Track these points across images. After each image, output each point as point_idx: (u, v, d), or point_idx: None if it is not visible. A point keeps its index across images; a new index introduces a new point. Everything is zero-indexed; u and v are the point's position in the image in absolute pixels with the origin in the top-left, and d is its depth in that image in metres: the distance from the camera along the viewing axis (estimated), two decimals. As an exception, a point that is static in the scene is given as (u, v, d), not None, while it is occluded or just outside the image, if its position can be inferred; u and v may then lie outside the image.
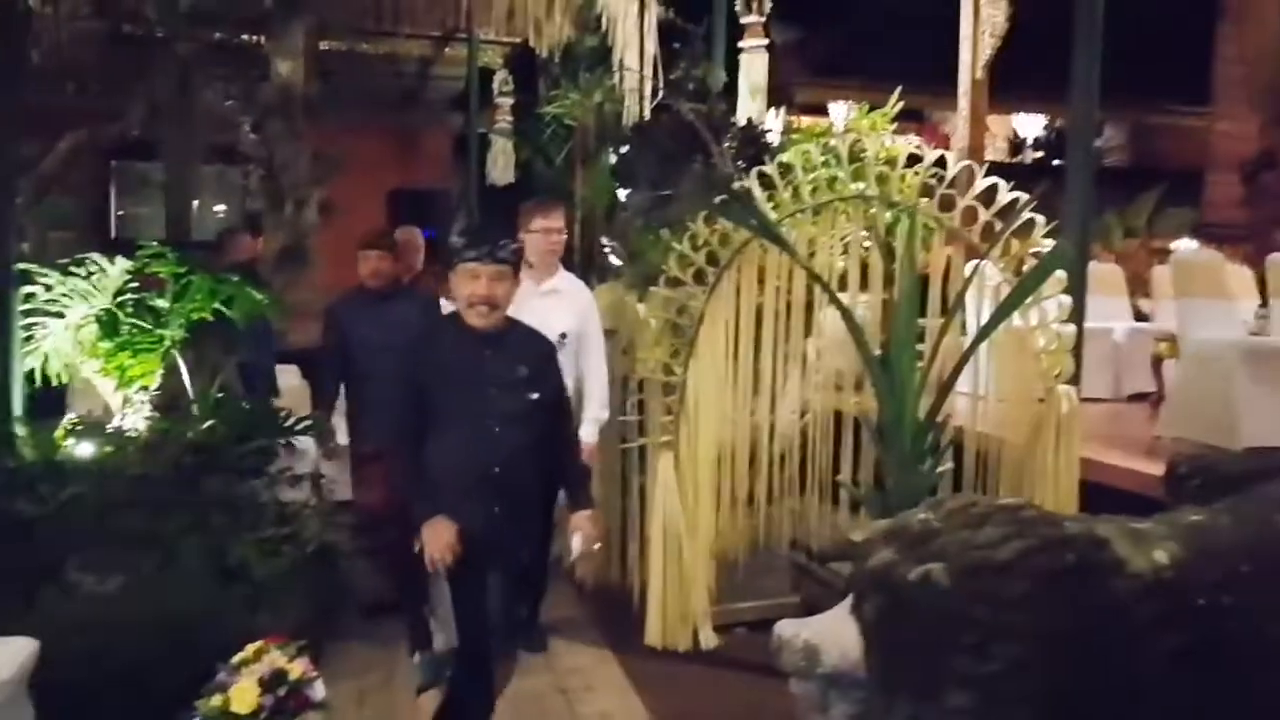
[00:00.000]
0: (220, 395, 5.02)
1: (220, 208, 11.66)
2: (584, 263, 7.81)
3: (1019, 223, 3.94)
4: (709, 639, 4.60)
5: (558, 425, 3.49)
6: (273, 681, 3.04)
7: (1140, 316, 8.47)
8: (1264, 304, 5.79)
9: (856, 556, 3.00)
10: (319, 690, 3.15)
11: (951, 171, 4.17)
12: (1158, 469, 3.80)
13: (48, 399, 4.94)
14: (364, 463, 4.95)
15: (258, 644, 3.14)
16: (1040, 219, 3.96)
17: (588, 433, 4.63)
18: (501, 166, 9.69)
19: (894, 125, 5.50)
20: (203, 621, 3.79)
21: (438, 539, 3.14)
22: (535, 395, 3.35)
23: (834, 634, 2.88)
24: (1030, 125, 16.01)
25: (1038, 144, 16.14)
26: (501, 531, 3.28)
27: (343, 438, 5.23)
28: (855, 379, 4.72)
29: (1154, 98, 13.12)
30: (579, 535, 3.47)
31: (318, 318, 5.30)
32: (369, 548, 5.05)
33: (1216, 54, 10.02)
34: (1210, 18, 10.04)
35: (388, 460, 4.16)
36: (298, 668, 3.10)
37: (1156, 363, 6.41)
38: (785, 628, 3.01)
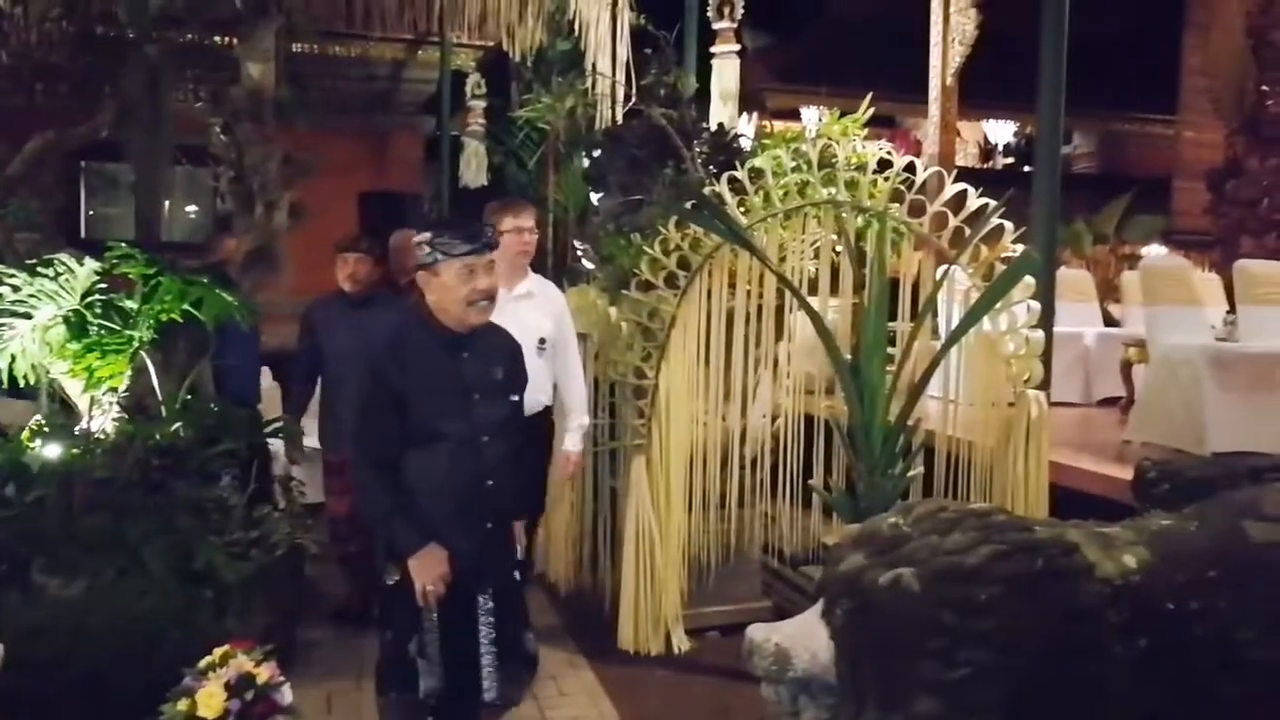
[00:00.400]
0: (189, 397, 4.98)
1: (192, 208, 11.57)
2: (557, 266, 7.81)
3: (988, 229, 3.96)
4: (681, 643, 4.60)
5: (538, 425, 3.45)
6: (239, 686, 3.01)
7: (1110, 322, 8.55)
8: (1231, 310, 5.85)
9: (827, 561, 3.01)
10: (286, 695, 3.12)
11: (921, 178, 4.19)
12: (1127, 474, 3.84)
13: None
14: (336, 470, 4.90)
15: (224, 648, 3.12)
16: (1009, 225, 3.99)
17: (572, 442, 4.55)
18: (474, 169, 9.67)
19: (865, 131, 5.51)
20: (169, 625, 3.76)
21: (430, 570, 2.96)
22: (514, 398, 3.22)
23: (804, 638, 2.88)
24: (1001, 131, 16.15)
25: (1008, 150, 16.28)
26: (494, 548, 3.13)
27: (311, 440, 5.19)
28: (826, 383, 4.74)
29: (1123, 106, 13.26)
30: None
31: (288, 320, 5.25)
32: (342, 554, 5.04)
33: (1183, 64, 10.15)
34: (1176, 29, 10.16)
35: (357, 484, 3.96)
36: (265, 672, 3.07)
37: (1126, 368, 6.47)
38: (756, 632, 3.01)
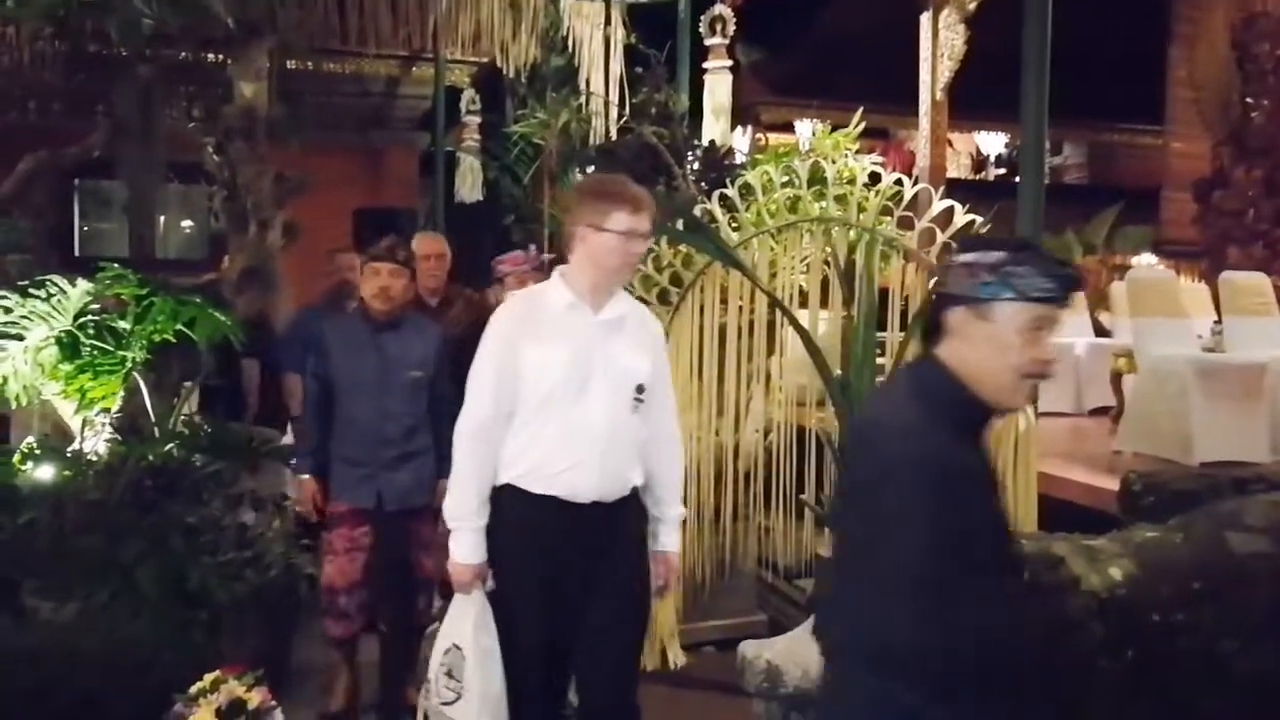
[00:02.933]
0: (184, 417, 4.99)
1: (187, 224, 11.60)
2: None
3: (976, 244, 3.99)
4: (677, 658, 4.61)
5: None
6: (230, 711, 3.02)
7: (1101, 331, 8.58)
8: (1219, 320, 5.89)
9: (819, 577, 3.03)
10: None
11: (910, 193, 4.22)
12: (1116, 484, 3.87)
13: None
14: (339, 523, 4.08)
15: (215, 673, 3.12)
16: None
17: (671, 542, 3.08)
18: (469, 185, 9.72)
19: (857, 144, 5.55)
20: (162, 648, 3.76)
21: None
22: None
23: (796, 654, 2.90)
24: (993, 143, 16.22)
25: (1000, 161, 16.35)
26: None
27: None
28: (818, 395, 4.76)
29: (1112, 117, 13.32)
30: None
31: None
32: (343, 635, 4.84)
33: (1169, 77, 10.22)
34: (1163, 41, 10.24)
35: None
36: (256, 697, 3.08)
37: (1116, 378, 6.49)
38: (749, 648, 3.04)
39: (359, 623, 4.07)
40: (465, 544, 2.83)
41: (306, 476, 4.17)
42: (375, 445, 3.99)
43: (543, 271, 3.72)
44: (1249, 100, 8.92)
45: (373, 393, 3.99)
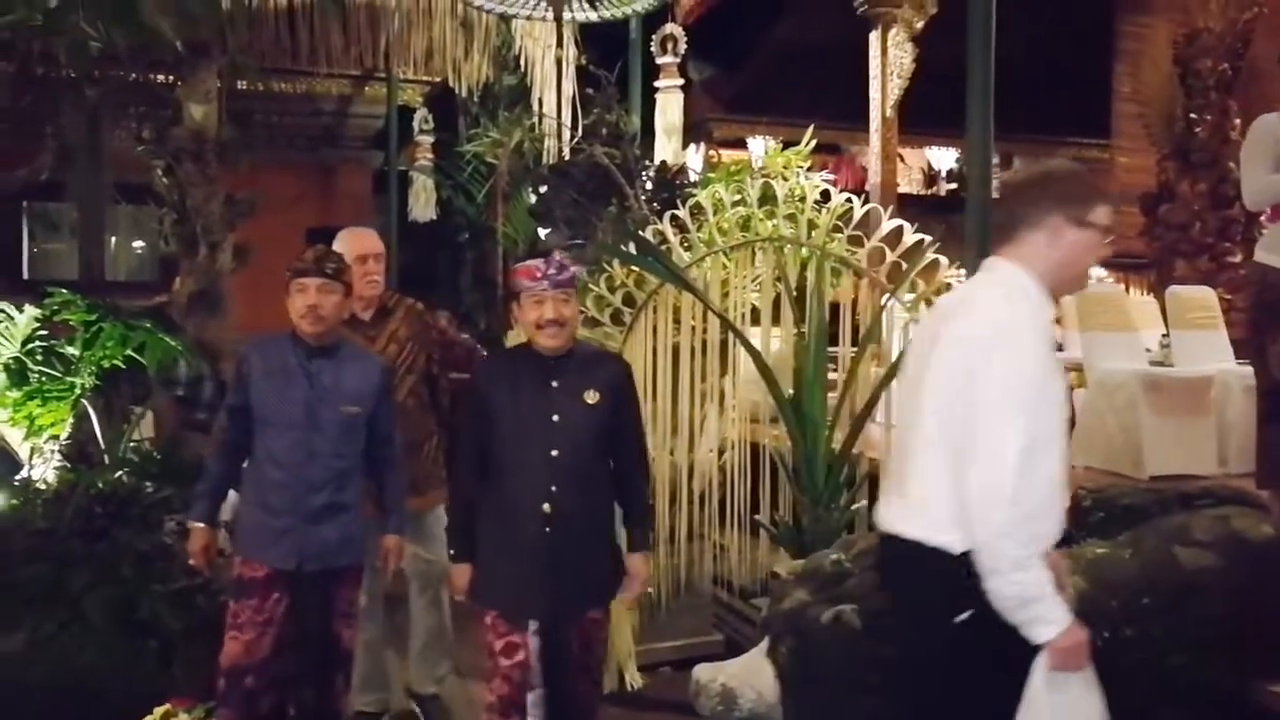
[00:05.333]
0: (133, 443, 4.94)
1: (138, 245, 11.47)
2: (506, 300, 7.83)
3: (924, 263, 4.05)
4: (634, 679, 4.60)
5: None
6: (182, 743, 2.98)
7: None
8: (1166, 334, 5.99)
9: (771, 598, 3.06)
10: (229, 752, 3.09)
11: (860, 212, 4.27)
12: (1067, 500, 3.91)
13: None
14: (251, 589, 3.49)
15: (165, 706, 3.09)
16: (944, 260, 4.07)
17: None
18: (423, 203, 9.70)
19: (809, 161, 5.60)
20: (111, 678, 3.71)
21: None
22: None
23: (750, 677, 2.92)
24: (944, 158, 16.41)
25: (951, 176, 16.54)
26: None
27: None
28: (772, 412, 4.79)
29: (1059, 131, 13.53)
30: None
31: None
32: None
33: (1114, 92, 10.42)
34: (1108, 58, 10.43)
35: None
36: (208, 728, 3.04)
37: (1067, 392, 6.57)
38: (703, 672, 3.05)
39: (266, 705, 3.42)
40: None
41: (200, 525, 3.55)
42: (298, 492, 3.44)
43: (573, 287, 3.18)
44: (1192, 115, 9.10)
45: (299, 429, 3.45)
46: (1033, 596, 2.23)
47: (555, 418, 3.12)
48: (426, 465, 4.20)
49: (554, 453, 3.10)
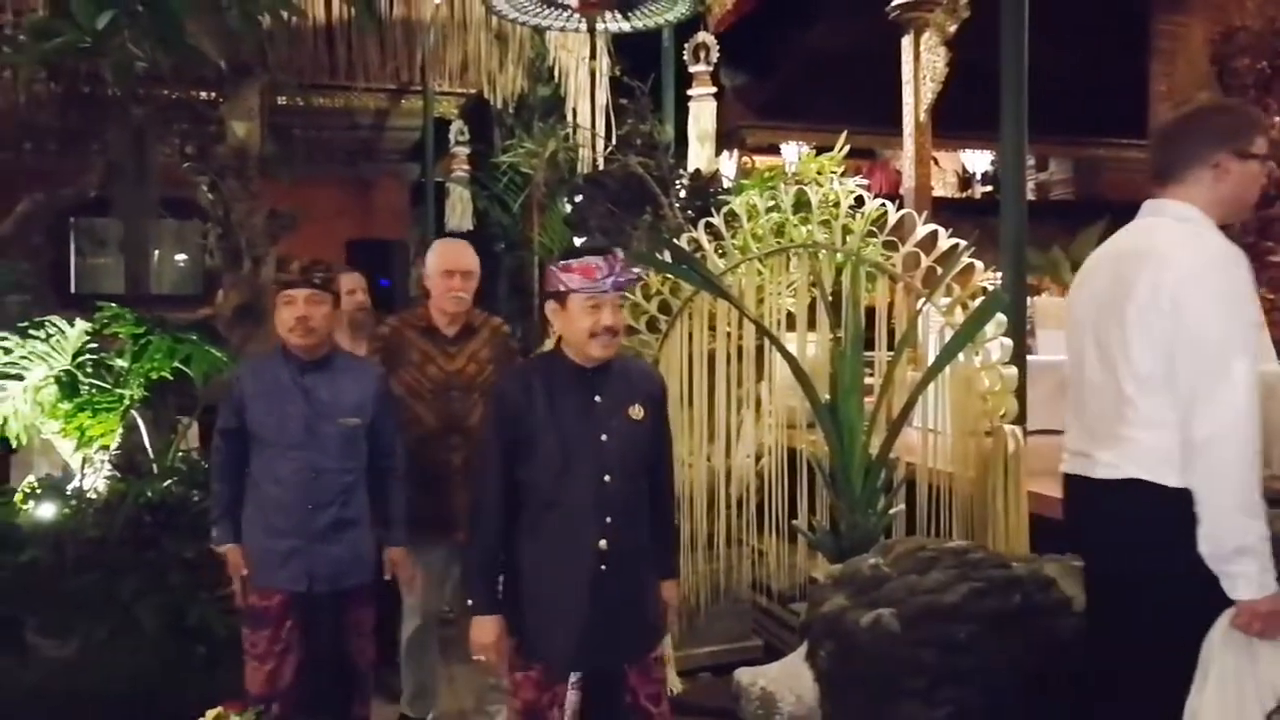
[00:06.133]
0: (181, 453, 5.04)
1: (181, 258, 11.66)
2: (542, 309, 7.89)
3: (959, 267, 4.05)
4: (673, 685, 4.63)
5: None
6: (233, 746, 3.05)
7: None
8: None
9: (809, 603, 3.08)
10: (280, 754, 3.15)
11: (895, 217, 4.28)
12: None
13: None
14: (266, 619, 3.53)
15: (216, 709, 3.15)
16: (979, 264, 4.08)
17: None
18: (460, 214, 9.80)
19: (843, 166, 5.61)
20: (162, 684, 3.80)
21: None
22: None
23: (789, 681, 2.94)
24: (978, 160, 16.33)
25: (986, 178, 16.45)
26: None
27: None
28: (809, 417, 4.80)
29: (1096, 131, 13.43)
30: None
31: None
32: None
33: (1150, 91, 10.33)
34: (1143, 56, 10.35)
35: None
36: (259, 731, 3.11)
37: (1105, 395, 6.53)
38: (743, 675, 3.07)
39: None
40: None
41: (231, 545, 3.52)
42: (304, 512, 3.41)
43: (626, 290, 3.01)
44: (1230, 114, 9.01)
45: (301, 448, 3.41)
46: (1249, 547, 2.21)
47: (604, 438, 2.76)
48: None
49: (606, 478, 2.74)
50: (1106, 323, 2.50)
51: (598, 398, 2.79)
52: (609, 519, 2.74)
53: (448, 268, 3.97)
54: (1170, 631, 2.33)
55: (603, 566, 2.73)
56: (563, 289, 2.76)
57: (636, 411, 2.82)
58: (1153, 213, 2.54)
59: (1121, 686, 2.43)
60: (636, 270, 3.17)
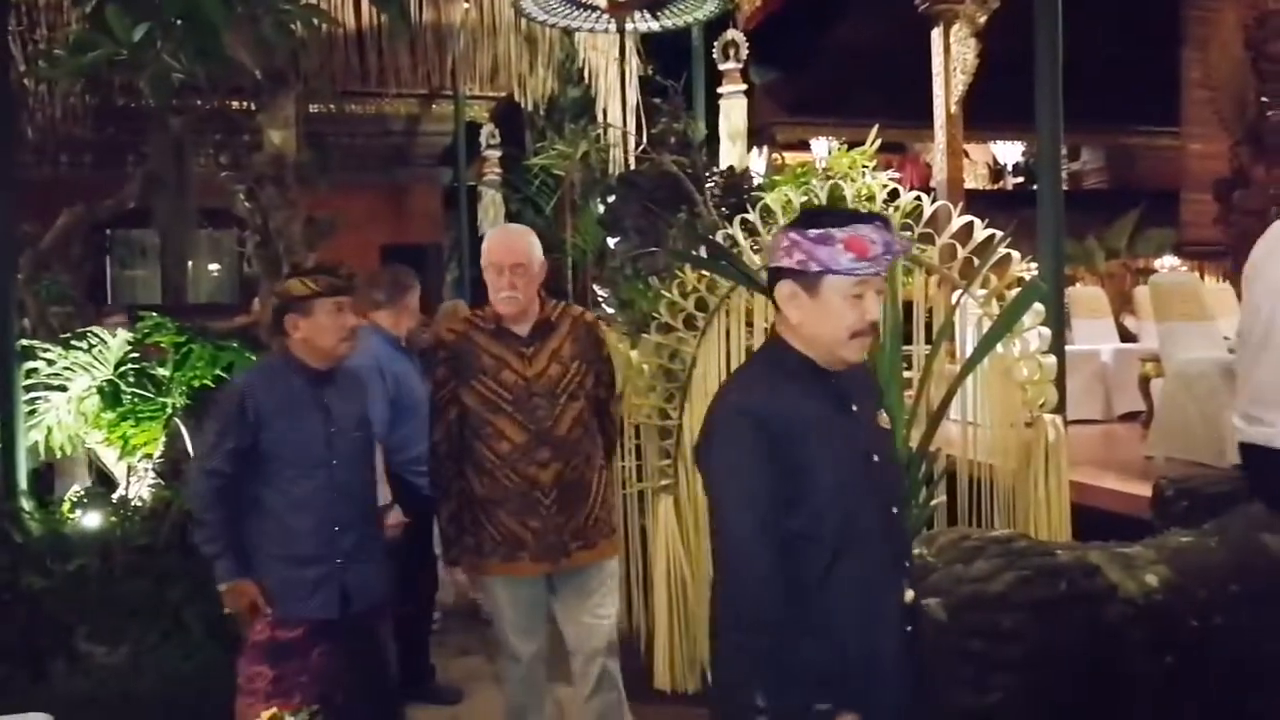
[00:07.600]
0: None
1: (215, 268, 11.80)
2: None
3: (995, 258, 4.04)
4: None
5: None
6: (288, 745, 3.07)
7: (1127, 336, 8.59)
8: (1246, 321, 5.88)
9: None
10: (335, 754, 3.17)
11: (930, 209, 4.27)
12: (1148, 490, 3.89)
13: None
14: (286, 652, 3.27)
15: (271, 710, 3.18)
16: (1015, 254, 4.06)
17: None
18: (493, 218, 9.87)
19: (874, 160, 5.60)
20: (213, 686, 3.84)
21: None
22: None
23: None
24: (1009, 152, 16.22)
25: (1017, 170, 16.35)
26: None
27: None
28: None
29: (1129, 120, 13.30)
30: None
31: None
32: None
33: (1183, 78, 10.22)
34: (1176, 44, 10.24)
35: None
36: (313, 730, 3.13)
37: (1144, 383, 6.50)
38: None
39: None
40: None
41: (238, 581, 3.20)
42: (329, 534, 3.19)
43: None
44: (1265, 99, 8.87)
45: (323, 465, 3.19)
46: None
47: (875, 458, 2.11)
48: (595, 509, 3.47)
49: (894, 509, 2.12)
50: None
51: (854, 406, 2.12)
52: (907, 563, 2.14)
53: (496, 263, 3.41)
54: None
55: (908, 628, 2.08)
56: (815, 268, 1.99)
57: (885, 419, 2.21)
58: None
59: None
60: (906, 235, 2.69)
